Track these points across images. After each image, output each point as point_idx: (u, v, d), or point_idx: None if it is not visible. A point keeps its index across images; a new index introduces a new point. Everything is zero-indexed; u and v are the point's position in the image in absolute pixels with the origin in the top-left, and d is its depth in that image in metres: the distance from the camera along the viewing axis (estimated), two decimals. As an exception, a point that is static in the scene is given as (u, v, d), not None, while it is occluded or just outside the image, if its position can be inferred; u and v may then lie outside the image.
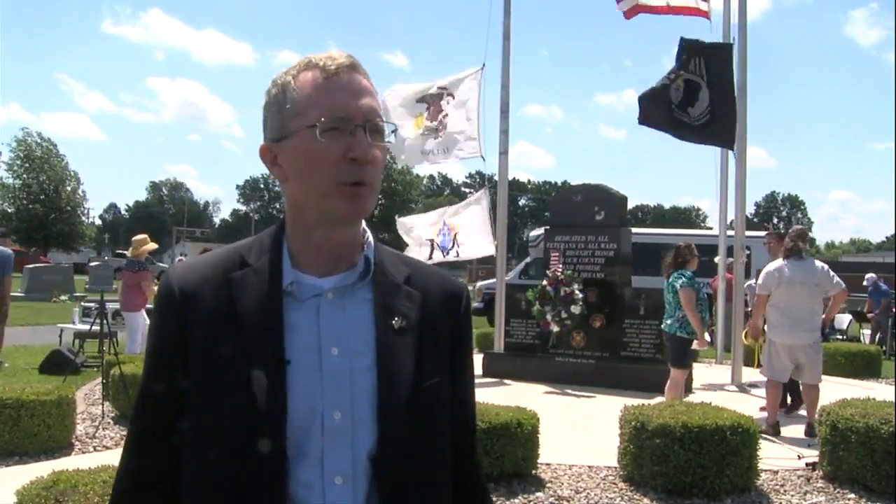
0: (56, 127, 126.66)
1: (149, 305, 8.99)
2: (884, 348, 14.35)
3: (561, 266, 9.64)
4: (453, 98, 10.33)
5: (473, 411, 1.34)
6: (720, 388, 9.25)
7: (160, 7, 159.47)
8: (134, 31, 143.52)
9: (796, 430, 6.86)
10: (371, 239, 1.21)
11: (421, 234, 10.55)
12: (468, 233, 10.22)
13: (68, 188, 45.48)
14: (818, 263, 6.94)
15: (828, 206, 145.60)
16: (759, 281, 7.08)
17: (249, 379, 1.07)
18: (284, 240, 1.18)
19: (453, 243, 10.22)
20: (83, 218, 48.69)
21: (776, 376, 6.96)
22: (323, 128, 1.09)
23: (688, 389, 8.09)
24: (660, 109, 9.04)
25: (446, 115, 10.34)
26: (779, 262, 6.97)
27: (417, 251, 10.12)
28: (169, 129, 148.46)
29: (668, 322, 7.17)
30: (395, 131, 1.16)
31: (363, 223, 1.21)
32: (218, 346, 1.10)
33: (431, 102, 10.46)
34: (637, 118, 9.00)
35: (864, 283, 15.79)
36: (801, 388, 7.35)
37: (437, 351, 1.20)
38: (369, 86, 1.15)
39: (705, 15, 11.23)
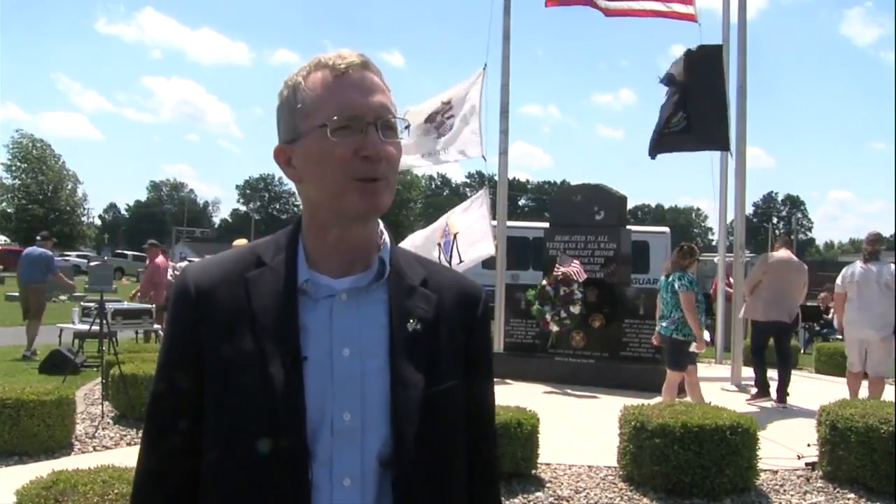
0: (54, 127, 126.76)
1: None
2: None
3: (575, 265, 9.55)
4: (451, 104, 10.30)
5: (491, 414, 1.31)
6: (720, 388, 9.26)
7: (153, 6, 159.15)
8: (129, 30, 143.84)
9: (796, 430, 6.86)
10: (387, 240, 1.20)
11: (428, 245, 10.41)
12: (469, 235, 10.17)
13: (67, 188, 45.40)
14: (892, 266, 7.45)
15: (827, 205, 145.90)
16: (838, 281, 7.85)
17: (266, 376, 1.07)
18: (300, 239, 1.17)
19: (454, 244, 10.16)
20: (83, 218, 48.60)
21: (852, 367, 7.77)
22: (334, 126, 1.09)
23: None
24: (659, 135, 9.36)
25: (447, 115, 10.31)
26: (857, 263, 7.74)
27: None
28: (167, 128, 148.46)
29: (664, 324, 7.15)
30: (407, 127, 1.17)
31: (380, 224, 1.20)
32: (233, 344, 1.10)
33: (431, 109, 10.42)
34: (649, 153, 9.36)
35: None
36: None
37: (453, 354, 1.18)
38: (381, 83, 1.14)
39: (692, 18, 11.04)
